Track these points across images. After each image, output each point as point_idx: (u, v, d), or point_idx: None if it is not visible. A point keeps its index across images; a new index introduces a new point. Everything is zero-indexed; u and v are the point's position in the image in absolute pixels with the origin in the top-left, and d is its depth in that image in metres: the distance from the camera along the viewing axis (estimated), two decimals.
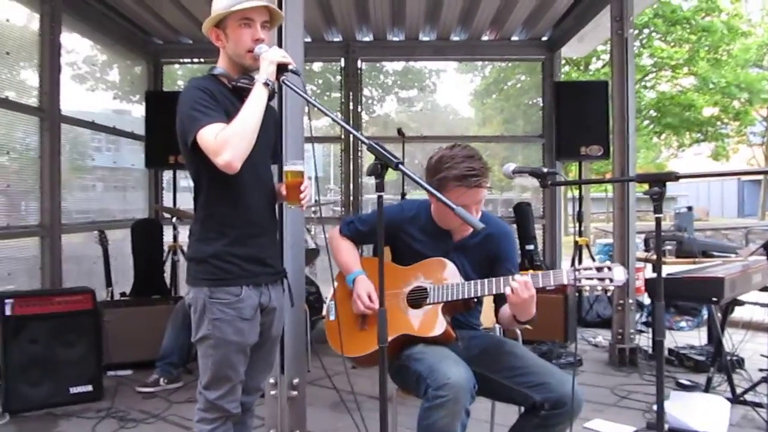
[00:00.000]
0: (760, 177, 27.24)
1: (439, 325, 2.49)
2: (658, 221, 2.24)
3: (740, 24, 18.60)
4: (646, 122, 19.61)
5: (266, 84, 2.14)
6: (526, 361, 2.47)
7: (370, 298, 2.55)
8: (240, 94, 2.20)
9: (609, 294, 4.47)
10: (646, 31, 18.42)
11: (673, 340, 5.16)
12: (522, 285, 2.31)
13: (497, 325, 2.93)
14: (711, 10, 17.83)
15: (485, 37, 7.09)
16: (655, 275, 4.34)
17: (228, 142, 2.04)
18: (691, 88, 19.03)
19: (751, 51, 18.32)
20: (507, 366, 2.47)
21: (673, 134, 20.82)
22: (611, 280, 2.21)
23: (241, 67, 2.26)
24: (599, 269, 2.24)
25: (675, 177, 2.09)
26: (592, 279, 2.24)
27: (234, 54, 2.25)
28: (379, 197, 2.04)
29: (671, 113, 18.98)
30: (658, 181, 2.06)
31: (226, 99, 2.21)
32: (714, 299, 3.51)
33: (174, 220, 5.79)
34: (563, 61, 11.15)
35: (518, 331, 3.12)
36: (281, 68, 2.18)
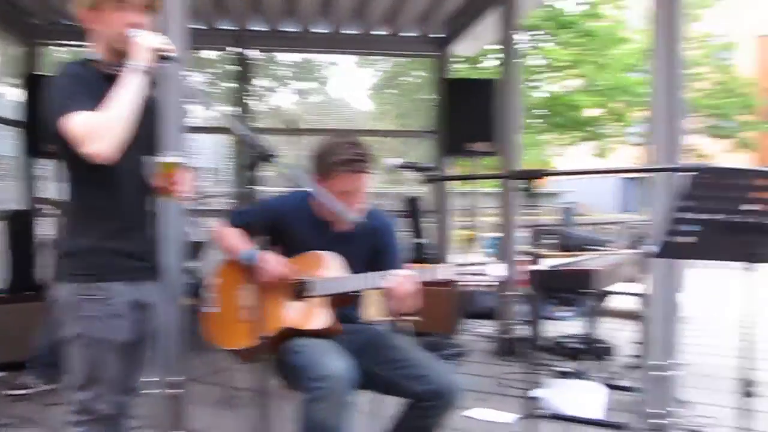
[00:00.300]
0: (640, 175, 28.81)
1: (322, 318, 2.48)
2: (530, 216, 2.33)
3: (622, 30, 19.64)
4: (536, 120, 20.38)
5: (140, 70, 2.05)
6: (407, 354, 2.51)
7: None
8: (115, 82, 2.10)
9: (491, 289, 4.64)
10: (539, 31, 19.13)
11: (555, 329, 5.39)
12: (403, 279, 2.35)
13: (382, 318, 2.96)
14: (594, 16, 18.73)
15: (379, 32, 7.13)
16: (537, 268, 4.54)
17: (95, 130, 1.94)
18: (579, 89, 19.95)
19: (631, 56, 19.37)
20: (388, 359, 2.50)
21: (560, 132, 21.78)
22: (488, 276, 2.29)
23: (117, 53, 2.16)
24: (478, 265, 2.31)
25: (540, 174, 2.19)
26: (470, 275, 2.31)
27: (109, 38, 2.14)
28: (256, 190, 2.02)
29: (559, 113, 19.86)
30: (526, 177, 2.14)
31: (99, 86, 2.10)
32: (586, 290, 3.68)
33: (52, 211, 5.49)
34: (462, 59, 11.37)
35: (408, 324, 3.18)
36: (160, 55, 2.10)
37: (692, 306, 2.56)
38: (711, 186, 2.02)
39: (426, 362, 2.47)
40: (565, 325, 5.82)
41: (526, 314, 5.23)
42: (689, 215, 2.06)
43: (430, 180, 2.43)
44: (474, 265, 2.32)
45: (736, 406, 2.38)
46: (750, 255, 2.17)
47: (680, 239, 2.11)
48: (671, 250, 2.16)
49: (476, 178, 6.92)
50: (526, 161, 23.61)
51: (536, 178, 2.12)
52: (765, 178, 2.05)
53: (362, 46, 7.43)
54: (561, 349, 4.96)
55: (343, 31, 7.09)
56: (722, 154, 24.40)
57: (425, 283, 2.40)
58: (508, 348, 5.11)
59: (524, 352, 5.08)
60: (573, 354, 4.83)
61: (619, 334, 4.84)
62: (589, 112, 20.45)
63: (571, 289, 4.10)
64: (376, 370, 2.49)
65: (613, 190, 30.13)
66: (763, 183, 2.06)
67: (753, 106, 24.41)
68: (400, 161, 2.48)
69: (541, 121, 20.66)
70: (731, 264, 2.22)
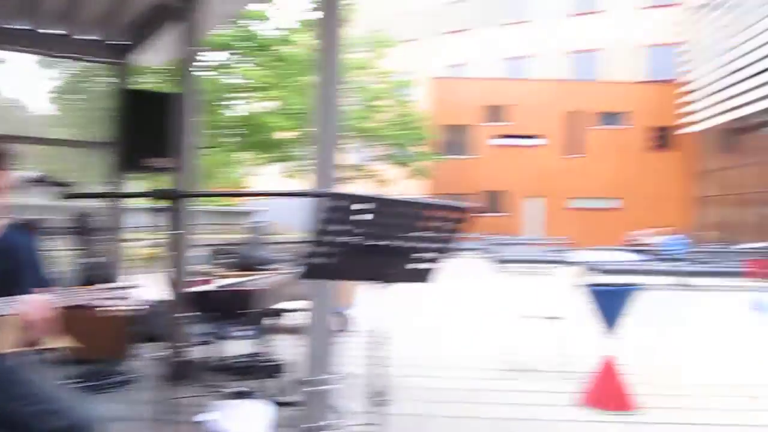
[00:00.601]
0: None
1: None
2: (215, 235, 2.28)
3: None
4: (231, 139, 20.45)
5: None
6: (37, 389, 2.28)
7: None
8: None
9: (140, 311, 4.46)
10: (236, 51, 19.26)
11: (231, 350, 5.35)
12: (36, 305, 2.14)
13: (15, 349, 2.66)
14: (286, 42, 19.48)
15: (54, 30, 6.53)
16: (202, 288, 4.49)
17: None
18: (273, 111, 20.49)
19: None
20: (16, 395, 2.24)
21: (256, 152, 22.18)
22: (129, 300, 2.19)
23: None
24: (117, 289, 2.19)
25: (178, 195, 2.17)
26: (109, 299, 2.18)
27: None
28: None
29: (254, 133, 20.20)
30: (169, 197, 2.09)
31: None
32: (248, 310, 3.73)
33: None
34: (154, 69, 10.90)
35: (62, 352, 2.92)
36: None
37: (366, 320, 2.71)
38: (347, 211, 2.16)
39: (58, 396, 2.26)
40: (241, 345, 5.82)
41: (200, 336, 5.15)
42: (328, 238, 2.18)
43: (68, 197, 2.25)
44: (113, 289, 2.20)
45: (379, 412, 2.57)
46: (382, 276, 2.37)
47: (321, 260, 2.22)
48: (313, 272, 2.26)
49: (116, 196, 6.63)
50: (222, 179, 23.57)
51: (178, 198, 2.09)
52: (394, 205, 2.26)
53: (36, 44, 6.71)
54: (233, 370, 4.94)
55: (10, 26, 6.35)
56: (402, 181, 26.91)
57: (81, 308, 2.22)
58: (181, 371, 4.94)
59: (196, 375, 4.97)
60: (244, 373, 4.85)
61: (291, 351, 4.98)
62: (282, 134, 21.12)
63: (231, 308, 4.13)
64: (6, 408, 2.22)
65: (305, 210, 31.45)
66: (393, 210, 2.27)
67: (426, 139, 27.43)
68: (36, 174, 2.26)
69: (237, 139, 20.80)
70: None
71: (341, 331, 4.43)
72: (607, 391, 4.76)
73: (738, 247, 17.36)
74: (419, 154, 27.25)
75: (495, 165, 32.99)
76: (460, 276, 16.83)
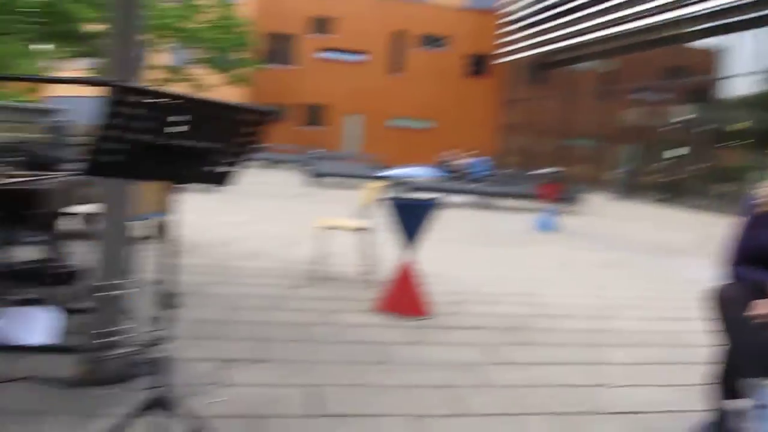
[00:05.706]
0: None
1: None
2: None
3: None
4: (28, 26, 18.44)
5: None
6: None
7: None
8: None
9: None
10: None
11: (21, 255, 4.96)
12: None
13: None
14: None
15: None
16: None
17: None
18: None
19: None
20: None
21: (59, 44, 20.24)
22: None
23: None
24: None
25: None
26: None
27: None
28: None
29: (57, 22, 18.34)
30: None
31: None
32: (33, 211, 3.46)
33: None
34: None
35: None
36: None
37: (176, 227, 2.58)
38: (135, 105, 2.03)
39: None
40: (31, 250, 5.41)
41: None
42: (113, 133, 2.04)
43: None
44: None
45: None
46: (176, 176, 2.29)
47: (106, 158, 2.09)
48: (98, 169, 2.12)
49: None
50: (17, 71, 21.27)
51: None
52: (183, 100, 2.16)
53: None
54: (20, 276, 4.59)
55: None
56: (221, 87, 25.85)
57: None
58: None
59: None
60: (33, 280, 4.52)
61: (85, 257, 4.72)
62: (91, 26, 19.37)
63: (15, 210, 3.79)
64: None
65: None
66: (183, 105, 2.16)
67: (248, 45, 26.41)
68: None
69: (36, 27, 18.80)
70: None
71: (152, 237, 4.22)
72: (402, 298, 5.02)
73: (533, 172, 18.79)
74: (240, 60, 26.23)
75: (317, 78, 32.71)
76: (275, 186, 16.80)
